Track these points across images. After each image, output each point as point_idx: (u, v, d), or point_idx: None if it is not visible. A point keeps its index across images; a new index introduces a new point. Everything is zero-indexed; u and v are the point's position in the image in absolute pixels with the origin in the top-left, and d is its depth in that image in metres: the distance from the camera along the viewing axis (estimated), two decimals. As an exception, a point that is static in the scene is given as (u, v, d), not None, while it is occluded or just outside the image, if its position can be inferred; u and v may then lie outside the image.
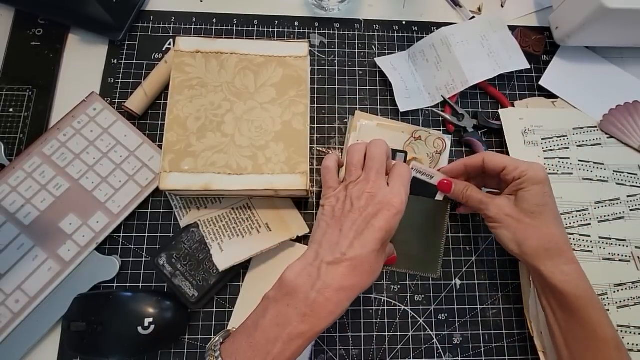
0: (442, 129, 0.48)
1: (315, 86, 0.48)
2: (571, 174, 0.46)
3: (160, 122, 0.46)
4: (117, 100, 0.46)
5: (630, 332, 0.41)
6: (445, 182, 0.42)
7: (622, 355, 0.33)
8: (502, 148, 0.47)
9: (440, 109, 0.48)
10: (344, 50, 0.50)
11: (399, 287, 0.43)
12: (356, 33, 0.51)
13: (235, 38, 0.49)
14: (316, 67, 0.49)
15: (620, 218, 0.45)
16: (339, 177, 0.38)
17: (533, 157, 0.46)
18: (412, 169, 0.42)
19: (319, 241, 0.33)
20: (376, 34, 0.51)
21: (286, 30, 0.50)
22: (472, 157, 0.40)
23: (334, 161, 0.38)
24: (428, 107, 0.48)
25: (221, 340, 0.32)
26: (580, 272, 0.35)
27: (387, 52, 0.51)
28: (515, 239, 0.37)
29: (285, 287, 0.31)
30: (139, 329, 0.37)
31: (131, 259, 0.42)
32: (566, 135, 0.47)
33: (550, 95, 0.49)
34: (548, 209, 0.36)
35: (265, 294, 0.32)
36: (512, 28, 0.51)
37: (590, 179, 0.46)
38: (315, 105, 0.48)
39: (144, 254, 0.42)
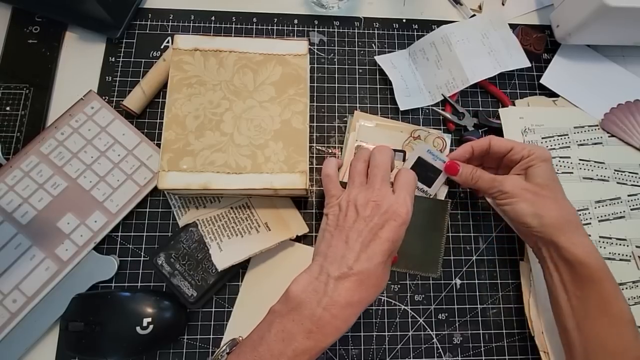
0: (442, 127, 0.48)
1: (315, 84, 0.48)
2: (572, 173, 0.46)
3: (158, 121, 0.46)
4: (115, 99, 0.46)
5: (631, 332, 0.41)
6: (453, 164, 0.41)
7: (634, 331, 0.33)
8: (503, 147, 0.47)
9: (440, 108, 0.48)
10: (344, 49, 0.50)
11: (399, 286, 0.43)
12: (356, 31, 0.51)
13: (234, 36, 0.49)
14: (316, 65, 0.49)
15: (620, 217, 0.45)
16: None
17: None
18: (427, 150, 0.43)
19: (324, 253, 0.32)
20: (376, 32, 0.51)
21: (285, 28, 0.50)
22: (478, 141, 0.41)
23: (334, 168, 0.37)
24: (428, 106, 0.48)
25: (227, 350, 0.32)
26: (594, 245, 0.35)
27: (387, 50, 0.50)
28: (535, 211, 0.36)
29: (291, 301, 0.30)
30: (138, 329, 0.37)
31: (129, 259, 0.42)
32: (567, 134, 0.47)
33: (551, 94, 0.49)
34: (559, 184, 0.38)
35: (271, 307, 0.32)
36: (513, 26, 0.50)
37: (591, 178, 0.46)
38: (315, 104, 0.48)
39: (142, 253, 0.42)
